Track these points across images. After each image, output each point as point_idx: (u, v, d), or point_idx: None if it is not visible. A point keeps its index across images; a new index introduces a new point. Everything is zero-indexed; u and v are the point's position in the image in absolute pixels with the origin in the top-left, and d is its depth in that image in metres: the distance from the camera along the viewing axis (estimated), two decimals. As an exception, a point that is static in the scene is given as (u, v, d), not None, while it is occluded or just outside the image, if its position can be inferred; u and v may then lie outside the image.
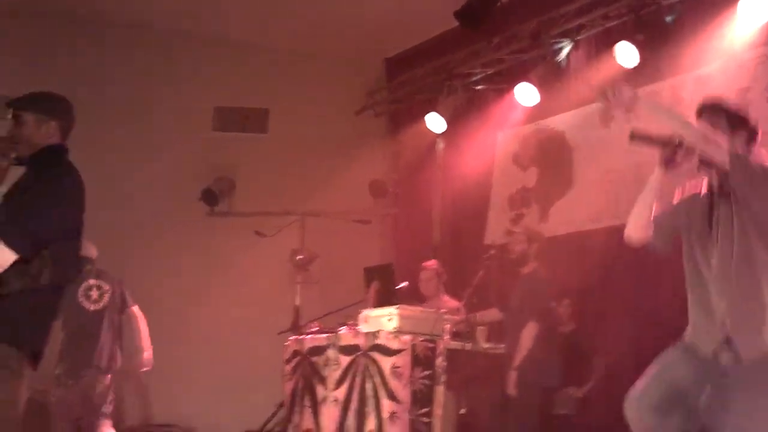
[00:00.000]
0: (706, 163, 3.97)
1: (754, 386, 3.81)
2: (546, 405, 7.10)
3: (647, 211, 4.20)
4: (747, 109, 4.23)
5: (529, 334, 6.86)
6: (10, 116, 4.41)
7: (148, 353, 7.76)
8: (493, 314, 7.43)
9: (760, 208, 3.85)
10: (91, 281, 7.71)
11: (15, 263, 4.01)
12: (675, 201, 4.29)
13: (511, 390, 6.76)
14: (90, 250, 7.68)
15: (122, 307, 7.85)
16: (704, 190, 4.14)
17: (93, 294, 7.68)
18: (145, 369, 7.85)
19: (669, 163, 4.01)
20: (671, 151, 3.98)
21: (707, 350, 3.96)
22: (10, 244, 3.98)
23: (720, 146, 3.84)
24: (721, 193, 4.02)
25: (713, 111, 4.12)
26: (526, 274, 7.21)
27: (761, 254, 3.89)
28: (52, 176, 4.27)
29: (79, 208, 4.41)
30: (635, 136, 4.07)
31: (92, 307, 7.64)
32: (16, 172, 4.39)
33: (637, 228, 4.26)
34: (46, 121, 4.41)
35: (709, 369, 3.94)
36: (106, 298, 7.72)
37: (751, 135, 4.10)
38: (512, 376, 6.78)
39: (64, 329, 7.46)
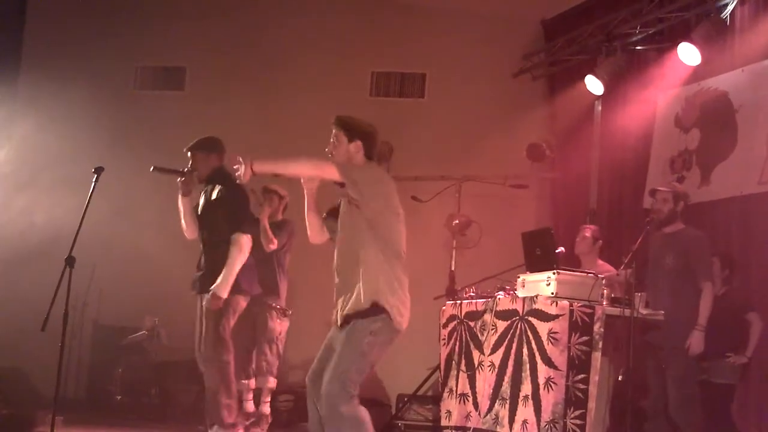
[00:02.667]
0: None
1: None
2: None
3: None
4: (364, 123, 5.36)
5: (708, 296, 6.74)
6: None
7: None
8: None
9: (369, 206, 5.10)
10: None
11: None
12: None
13: (698, 348, 6.67)
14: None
15: None
16: None
17: None
18: None
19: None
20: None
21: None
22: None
23: (325, 166, 5.10)
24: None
25: (335, 126, 5.33)
26: (676, 233, 7.00)
27: (368, 240, 5.13)
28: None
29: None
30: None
31: None
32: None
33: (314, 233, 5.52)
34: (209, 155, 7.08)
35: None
36: None
37: (368, 143, 5.29)
38: (698, 336, 6.66)
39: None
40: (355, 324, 5.08)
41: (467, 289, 7.70)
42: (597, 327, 6.20)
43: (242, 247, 6.89)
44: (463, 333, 7.22)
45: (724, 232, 8.46)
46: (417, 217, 10.51)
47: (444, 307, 7.68)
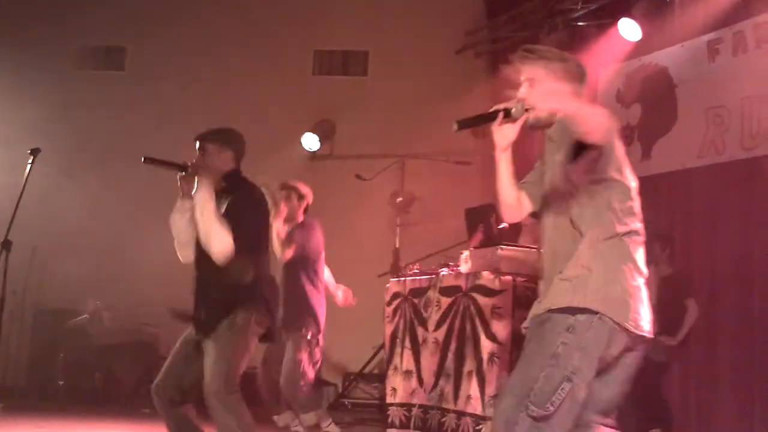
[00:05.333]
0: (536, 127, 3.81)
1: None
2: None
3: (509, 191, 3.90)
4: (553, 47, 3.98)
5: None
6: None
7: None
8: None
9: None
10: None
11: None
12: None
13: None
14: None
15: None
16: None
17: None
18: None
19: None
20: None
21: None
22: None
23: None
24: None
25: (523, 59, 3.85)
26: None
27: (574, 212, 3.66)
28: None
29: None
30: (461, 125, 3.72)
31: None
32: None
33: (510, 210, 3.94)
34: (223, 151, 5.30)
35: None
36: None
37: (578, 67, 3.85)
38: None
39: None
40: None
41: (411, 266, 7.69)
42: (540, 302, 6.21)
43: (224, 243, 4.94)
44: (407, 310, 7.20)
45: (665, 205, 8.54)
46: (361, 196, 10.51)
47: (388, 285, 7.65)
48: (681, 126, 8.58)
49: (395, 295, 7.45)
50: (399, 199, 10.17)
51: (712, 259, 8.00)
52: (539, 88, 3.72)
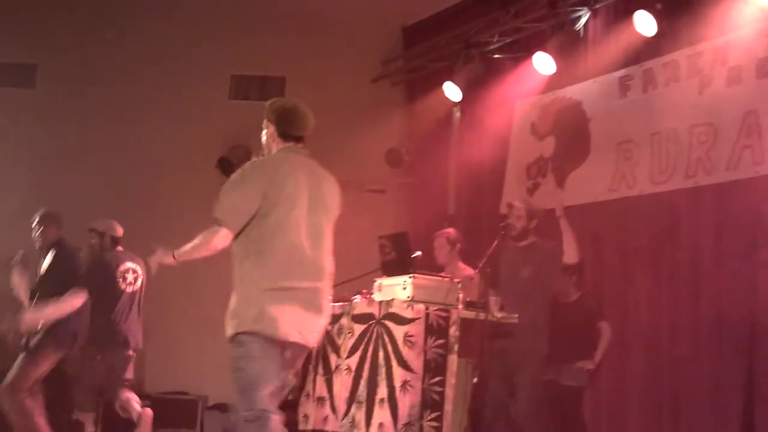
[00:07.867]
0: None
1: None
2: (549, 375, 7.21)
3: None
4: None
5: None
6: None
7: None
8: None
9: None
10: (128, 264, 7.95)
11: None
12: None
13: None
14: (117, 229, 8.02)
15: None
16: None
17: (128, 276, 7.93)
18: None
19: None
20: None
21: None
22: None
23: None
24: None
25: None
26: (529, 246, 7.21)
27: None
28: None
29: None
30: None
31: (128, 289, 7.90)
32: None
33: None
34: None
35: None
36: (139, 281, 7.98)
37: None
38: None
39: (95, 307, 7.79)
40: None
41: (325, 294, 7.65)
42: (452, 330, 6.24)
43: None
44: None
45: (576, 237, 8.65)
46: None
47: (302, 312, 7.59)
48: (593, 159, 8.73)
49: (308, 322, 7.40)
50: (313, 226, 10.12)
51: (624, 286, 8.13)
52: None
